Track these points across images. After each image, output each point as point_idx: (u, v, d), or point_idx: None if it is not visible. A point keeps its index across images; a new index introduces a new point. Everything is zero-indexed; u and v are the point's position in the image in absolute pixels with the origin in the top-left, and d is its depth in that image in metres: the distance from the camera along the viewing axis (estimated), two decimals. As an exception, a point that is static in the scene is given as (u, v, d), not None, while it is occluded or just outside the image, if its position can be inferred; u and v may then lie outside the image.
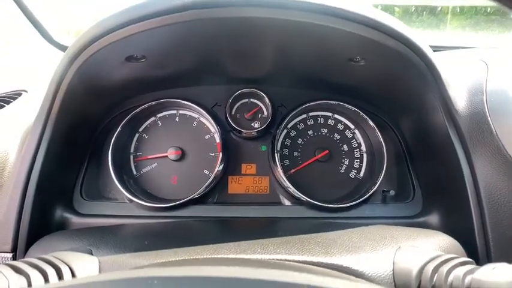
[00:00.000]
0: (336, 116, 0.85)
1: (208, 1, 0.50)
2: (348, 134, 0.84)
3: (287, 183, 0.76)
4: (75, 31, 1.35)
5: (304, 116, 0.85)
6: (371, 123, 0.78)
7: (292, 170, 0.83)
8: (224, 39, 0.63)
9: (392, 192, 0.75)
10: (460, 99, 0.63)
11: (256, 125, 0.83)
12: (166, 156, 0.82)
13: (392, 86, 0.70)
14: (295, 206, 0.79)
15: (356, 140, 0.84)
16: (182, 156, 0.82)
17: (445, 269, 0.42)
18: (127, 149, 0.83)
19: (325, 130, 0.85)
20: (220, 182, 0.82)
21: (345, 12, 0.50)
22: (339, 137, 0.84)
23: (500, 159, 0.58)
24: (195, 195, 0.74)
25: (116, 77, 0.72)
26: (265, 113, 0.84)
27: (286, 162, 0.84)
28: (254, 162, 0.84)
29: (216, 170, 0.76)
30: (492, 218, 0.59)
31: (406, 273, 0.43)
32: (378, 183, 0.75)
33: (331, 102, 0.81)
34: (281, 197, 0.82)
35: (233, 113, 0.84)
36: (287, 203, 0.80)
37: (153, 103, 0.80)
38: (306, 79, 0.80)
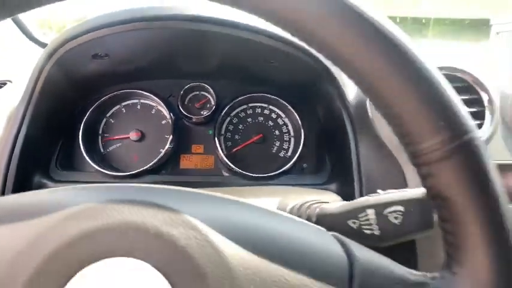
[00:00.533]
0: (271, 106, 1.04)
1: (147, 16, 0.69)
2: (280, 121, 1.04)
3: (226, 160, 0.95)
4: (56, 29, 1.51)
5: (245, 106, 1.04)
6: (292, 109, 0.97)
7: (233, 150, 1.02)
8: (171, 44, 0.82)
9: (305, 165, 0.96)
10: (351, 93, 0.82)
11: (204, 113, 1.01)
12: (129, 137, 0.99)
13: (302, 82, 0.90)
14: (232, 176, 0.98)
15: (286, 126, 1.03)
16: (142, 137, 1.00)
17: (307, 204, 0.60)
18: (96, 130, 1.00)
19: (261, 118, 1.04)
20: (173, 159, 1.00)
21: (250, 26, 0.70)
22: (272, 124, 1.03)
23: (374, 140, 0.78)
24: (149, 167, 0.92)
25: (87, 69, 0.89)
26: (212, 103, 1.02)
27: (229, 143, 1.02)
28: (202, 143, 1.03)
29: (167, 147, 0.94)
30: (367, 188, 0.78)
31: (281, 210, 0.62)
32: (294, 158, 0.94)
33: (266, 95, 1.00)
34: (223, 171, 1.00)
35: (186, 102, 1.02)
36: (226, 174, 0.99)
37: (118, 93, 0.98)
38: (244, 76, 0.99)
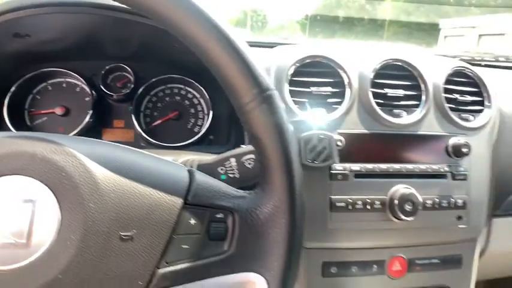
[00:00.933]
0: (187, 87, 1.17)
1: (62, 1, 0.80)
2: (195, 100, 1.17)
3: (143, 133, 1.08)
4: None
5: (163, 86, 1.17)
6: (203, 89, 1.11)
7: (152, 125, 1.14)
8: (90, 28, 0.93)
9: (211, 137, 1.11)
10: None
11: (124, 91, 1.13)
12: (54, 112, 1.09)
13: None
14: (148, 147, 1.11)
15: (200, 105, 1.17)
16: (67, 112, 1.10)
17: (191, 159, 0.75)
18: (22, 105, 1.09)
19: (179, 98, 1.17)
20: (95, 132, 1.11)
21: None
22: (188, 103, 1.17)
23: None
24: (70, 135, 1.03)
25: (11, 47, 0.97)
26: (132, 82, 1.13)
27: (148, 119, 1.15)
28: (123, 119, 1.15)
29: (86, 120, 1.05)
30: None
31: None
32: (202, 131, 1.09)
33: (182, 77, 1.13)
34: (141, 143, 1.13)
35: (109, 82, 1.13)
36: (144, 145, 1.12)
37: (43, 71, 1.07)
38: (159, 58, 1.11)
